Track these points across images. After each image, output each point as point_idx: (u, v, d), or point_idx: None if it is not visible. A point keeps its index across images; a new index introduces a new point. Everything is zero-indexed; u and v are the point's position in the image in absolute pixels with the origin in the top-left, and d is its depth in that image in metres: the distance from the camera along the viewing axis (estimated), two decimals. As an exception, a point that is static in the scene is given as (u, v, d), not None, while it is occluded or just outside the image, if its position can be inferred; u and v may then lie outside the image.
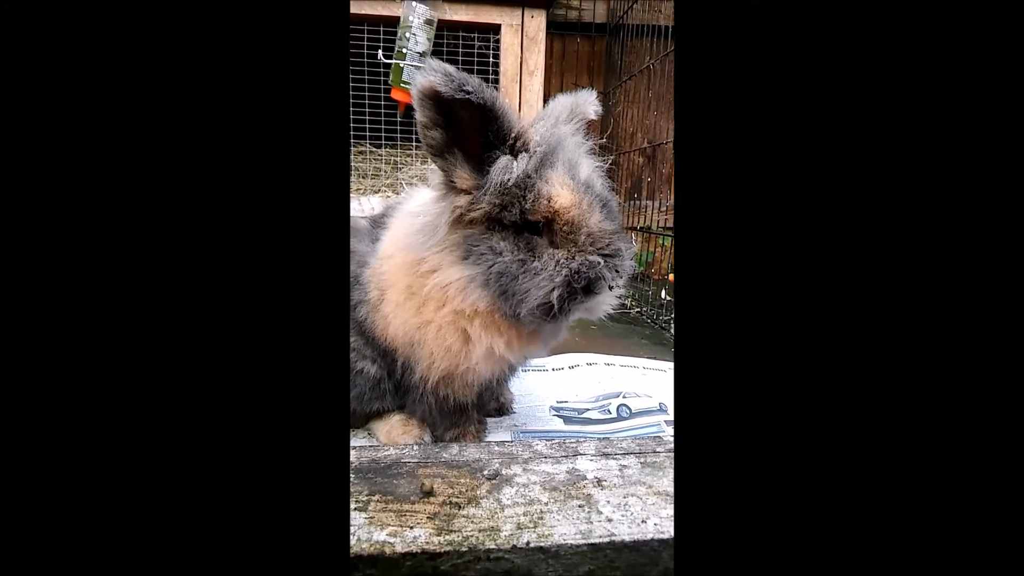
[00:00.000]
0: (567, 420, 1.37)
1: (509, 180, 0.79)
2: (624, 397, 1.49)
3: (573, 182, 0.81)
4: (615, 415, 1.40)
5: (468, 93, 0.74)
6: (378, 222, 1.13)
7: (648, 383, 1.60)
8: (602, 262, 0.79)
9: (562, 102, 0.93)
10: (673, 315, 2.08)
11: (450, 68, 0.74)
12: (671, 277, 2.94)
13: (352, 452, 0.80)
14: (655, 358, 1.83)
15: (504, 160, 0.79)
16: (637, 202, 3.01)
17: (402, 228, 0.98)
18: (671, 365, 1.76)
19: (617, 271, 0.81)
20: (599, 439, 0.87)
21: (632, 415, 1.40)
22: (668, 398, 1.47)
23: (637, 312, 2.39)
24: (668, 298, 2.53)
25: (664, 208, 2.97)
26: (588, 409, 1.44)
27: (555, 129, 0.86)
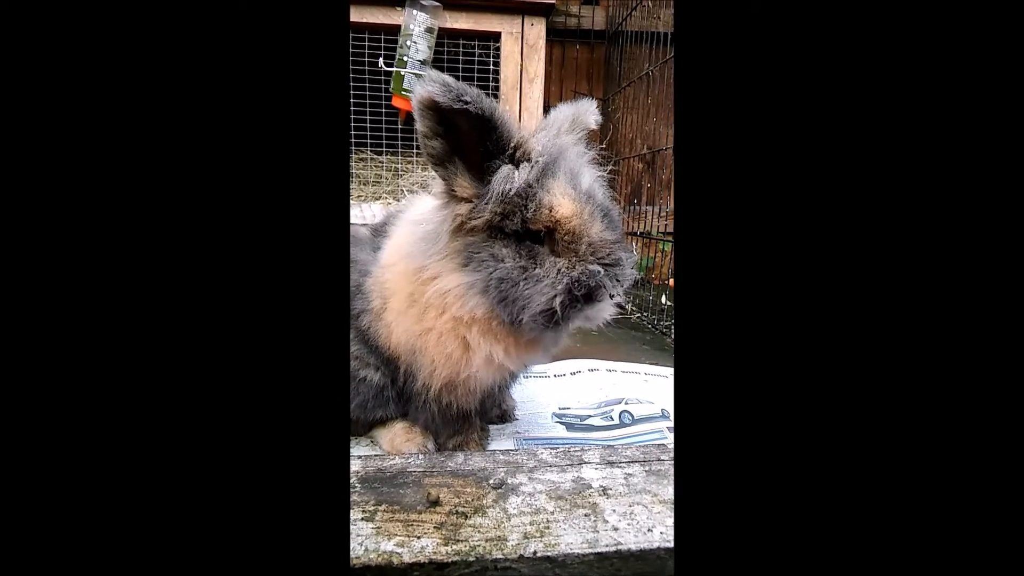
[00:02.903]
0: (569, 427, 1.37)
1: (511, 190, 0.79)
2: (626, 403, 1.49)
3: (575, 192, 0.82)
4: (617, 421, 1.40)
5: (467, 103, 0.74)
6: (379, 231, 1.13)
7: (650, 389, 1.60)
8: (602, 271, 0.80)
9: (564, 112, 0.94)
10: (673, 320, 2.09)
11: (449, 79, 0.75)
12: (671, 282, 2.95)
13: (357, 462, 0.80)
14: (656, 364, 1.83)
15: (506, 170, 0.80)
16: (637, 208, 3.02)
17: (404, 236, 0.99)
18: (672, 371, 1.77)
19: (618, 280, 0.82)
20: (603, 447, 0.87)
21: (634, 421, 1.40)
22: (670, 404, 1.47)
23: (638, 318, 2.39)
24: (668, 303, 2.54)
25: (664, 213, 2.98)
26: (590, 416, 1.44)
27: (557, 139, 0.86)
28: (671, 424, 1.36)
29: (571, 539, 0.65)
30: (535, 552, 0.63)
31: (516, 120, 0.84)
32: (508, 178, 0.80)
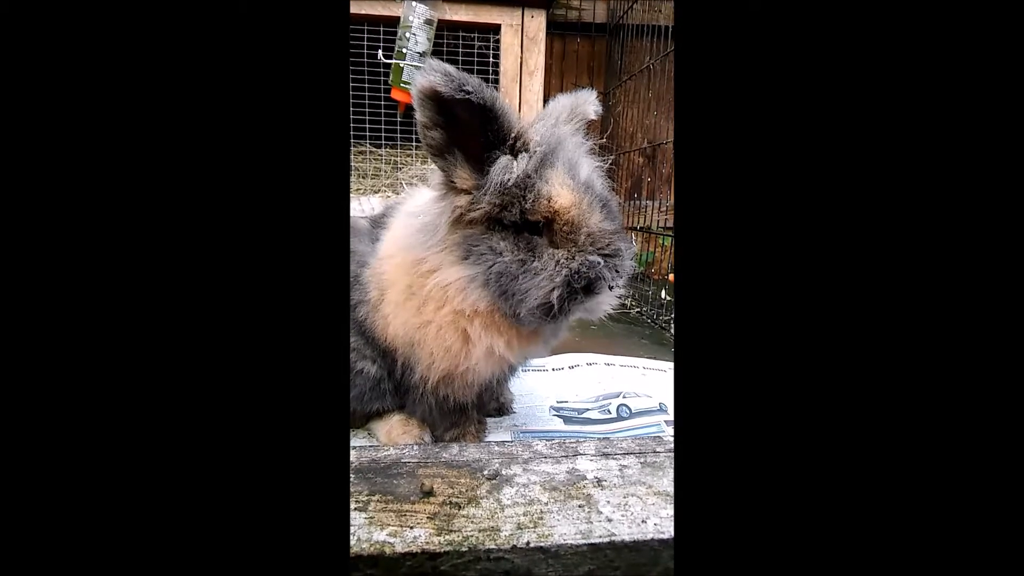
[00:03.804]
0: (567, 420, 1.37)
1: (509, 180, 0.79)
2: (624, 397, 1.49)
3: (573, 182, 0.81)
4: (615, 415, 1.40)
5: (468, 93, 0.74)
6: (378, 222, 1.13)
7: (648, 383, 1.60)
8: (602, 262, 0.79)
9: (562, 102, 0.93)
10: (673, 315, 2.09)
11: (450, 68, 0.74)
12: (671, 277, 2.94)
13: (352, 452, 0.80)
14: (655, 358, 1.83)
15: (504, 160, 0.79)
16: (637, 202, 3.01)
17: (402, 228, 0.98)
18: (671, 365, 1.76)
19: (617, 271, 0.81)
20: (599, 439, 0.87)
21: (632, 415, 1.40)
22: (668, 398, 1.47)
23: (637, 312, 2.39)
24: (668, 298, 2.53)
25: (664, 208, 2.97)
26: (588, 409, 1.44)
27: (555, 129, 0.86)
28: (668, 418, 1.36)
29: (565, 530, 0.65)
30: (528, 543, 0.63)
31: (516, 111, 0.84)
32: (507, 168, 0.79)
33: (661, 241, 2.98)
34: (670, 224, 2.93)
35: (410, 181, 2.63)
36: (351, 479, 0.73)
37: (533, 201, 0.79)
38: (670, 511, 0.68)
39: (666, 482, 0.74)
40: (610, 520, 0.66)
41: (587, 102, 0.94)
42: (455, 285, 0.84)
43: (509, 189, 0.79)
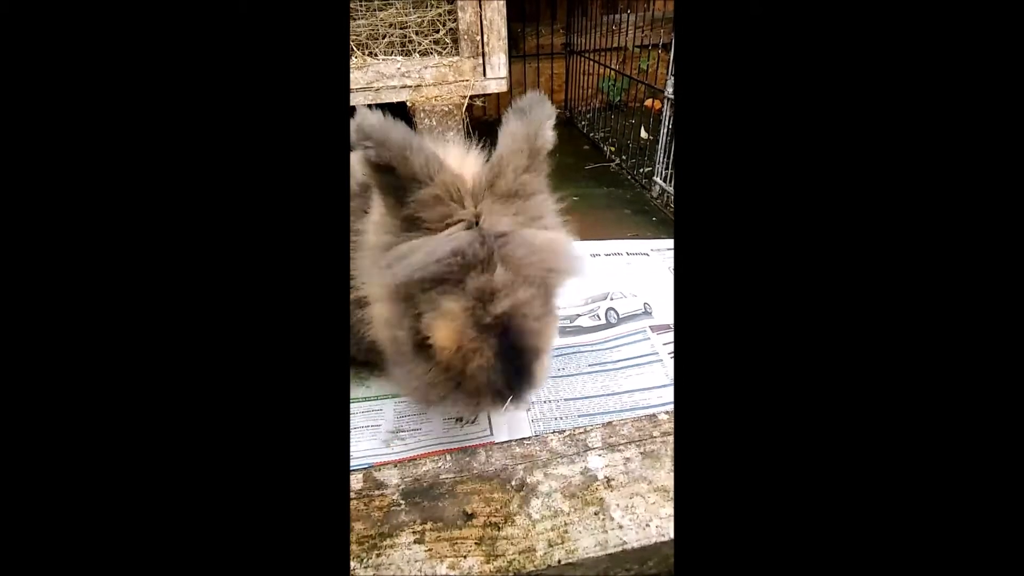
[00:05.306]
0: (561, 331, 1.49)
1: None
2: (611, 299, 1.59)
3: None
4: (604, 321, 1.53)
5: (367, 147, 0.76)
6: None
7: (632, 275, 1.69)
8: None
9: (512, 130, 0.87)
10: (652, 167, 2.06)
11: (367, 119, 0.76)
12: (648, 103, 2.80)
13: (394, 472, 0.92)
14: (637, 236, 1.89)
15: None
16: (613, 18, 2.68)
17: None
18: (652, 245, 1.84)
19: None
20: (602, 425, 1.00)
21: (620, 320, 1.52)
22: (651, 297, 1.58)
23: (617, 166, 2.34)
24: (649, 137, 2.46)
25: (641, 24, 2.67)
26: (579, 315, 1.56)
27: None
28: (653, 322, 1.49)
29: (586, 543, 0.81)
30: (559, 560, 0.79)
31: (437, 163, 0.81)
32: None
33: (641, 63, 2.75)
34: (647, 41, 2.67)
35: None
36: (403, 505, 0.87)
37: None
38: (668, 510, 0.84)
39: (663, 475, 0.90)
40: (621, 527, 0.83)
41: (542, 128, 0.88)
42: None
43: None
